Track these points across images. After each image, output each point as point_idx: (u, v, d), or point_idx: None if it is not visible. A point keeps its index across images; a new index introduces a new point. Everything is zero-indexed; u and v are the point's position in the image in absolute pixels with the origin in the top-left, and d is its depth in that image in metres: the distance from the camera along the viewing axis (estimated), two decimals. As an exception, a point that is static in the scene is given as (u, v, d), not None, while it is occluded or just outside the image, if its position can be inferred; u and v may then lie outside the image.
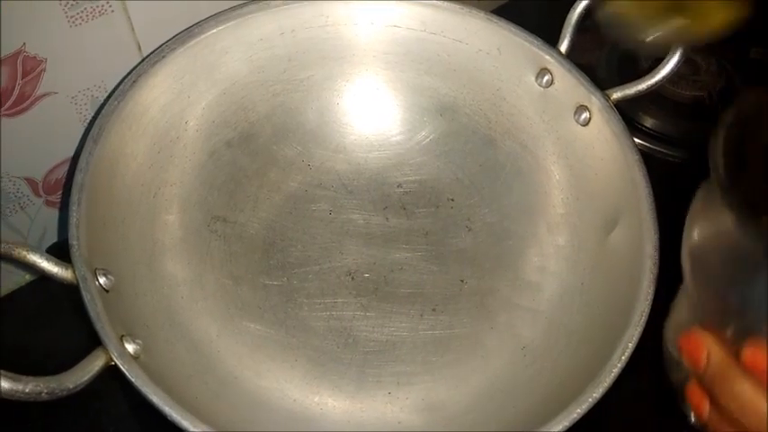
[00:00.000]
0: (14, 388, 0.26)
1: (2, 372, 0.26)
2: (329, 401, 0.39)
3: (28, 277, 0.48)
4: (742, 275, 0.26)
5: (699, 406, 0.27)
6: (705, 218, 0.28)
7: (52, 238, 0.49)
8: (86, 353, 0.30)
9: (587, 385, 0.32)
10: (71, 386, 0.28)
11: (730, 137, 0.26)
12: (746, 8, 0.35)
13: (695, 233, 0.28)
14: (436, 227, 0.47)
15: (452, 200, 0.48)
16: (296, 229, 0.46)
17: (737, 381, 0.25)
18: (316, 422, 0.38)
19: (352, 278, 0.44)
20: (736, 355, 0.25)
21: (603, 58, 0.59)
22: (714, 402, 0.26)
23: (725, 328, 0.27)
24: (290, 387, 0.39)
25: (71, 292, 0.32)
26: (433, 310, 0.43)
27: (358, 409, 0.39)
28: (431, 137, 0.48)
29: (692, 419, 0.29)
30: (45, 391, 0.27)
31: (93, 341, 0.31)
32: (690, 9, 0.36)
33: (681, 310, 0.31)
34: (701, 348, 0.26)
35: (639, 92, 0.42)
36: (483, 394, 0.40)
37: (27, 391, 0.27)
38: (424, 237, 0.46)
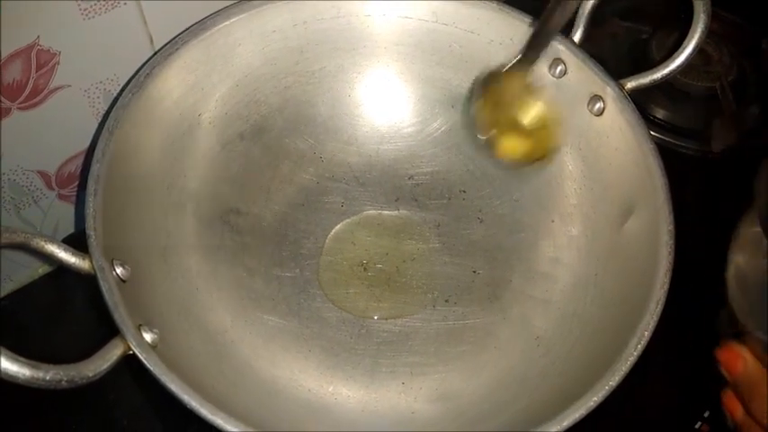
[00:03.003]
0: (35, 375, 0.27)
1: (23, 359, 0.26)
2: (343, 391, 0.40)
3: (41, 270, 0.48)
4: None
5: (733, 410, 0.30)
6: (749, 243, 0.31)
7: (65, 231, 0.49)
8: (100, 345, 0.30)
9: (603, 374, 0.32)
10: (90, 374, 0.28)
11: None
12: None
13: (739, 257, 0.31)
14: (448, 218, 0.47)
15: (464, 191, 0.48)
16: (308, 221, 0.46)
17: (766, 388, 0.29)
18: (330, 411, 0.38)
19: (365, 269, 0.44)
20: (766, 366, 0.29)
21: (614, 50, 0.59)
22: (746, 407, 0.30)
23: (759, 342, 0.30)
24: (305, 377, 0.39)
25: (84, 286, 0.32)
26: (446, 300, 0.43)
27: (372, 398, 0.39)
28: (442, 128, 0.48)
29: (730, 422, 0.32)
30: (65, 378, 0.27)
31: (105, 333, 0.31)
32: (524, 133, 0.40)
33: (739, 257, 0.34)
34: (737, 359, 0.30)
35: (654, 81, 0.41)
36: (497, 385, 0.40)
37: (48, 378, 0.27)
38: (435, 228, 0.46)
